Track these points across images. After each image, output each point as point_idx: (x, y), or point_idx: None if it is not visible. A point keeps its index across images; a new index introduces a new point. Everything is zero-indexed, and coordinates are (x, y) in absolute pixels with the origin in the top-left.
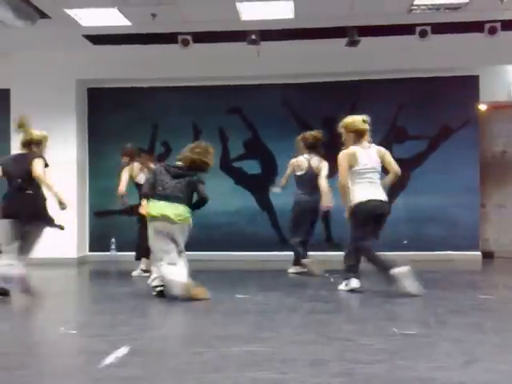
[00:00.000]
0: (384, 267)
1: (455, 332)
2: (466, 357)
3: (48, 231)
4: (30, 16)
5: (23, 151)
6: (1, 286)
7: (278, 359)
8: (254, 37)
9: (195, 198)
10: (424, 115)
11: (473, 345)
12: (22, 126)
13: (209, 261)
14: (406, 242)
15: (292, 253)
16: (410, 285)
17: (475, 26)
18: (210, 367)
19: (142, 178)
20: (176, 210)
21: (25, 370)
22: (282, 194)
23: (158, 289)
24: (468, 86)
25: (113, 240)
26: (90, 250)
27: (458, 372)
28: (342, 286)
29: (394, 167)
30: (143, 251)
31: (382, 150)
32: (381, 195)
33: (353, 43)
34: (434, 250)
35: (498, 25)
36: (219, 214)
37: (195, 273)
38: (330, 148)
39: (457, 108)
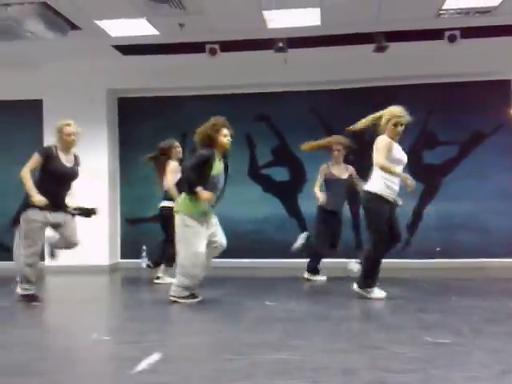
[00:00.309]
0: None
1: (490, 341)
2: (501, 366)
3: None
4: (61, 28)
5: None
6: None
7: (308, 367)
8: (281, 44)
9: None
10: (455, 120)
11: (509, 354)
12: None
13: (238, 268)
14: (439, 249)
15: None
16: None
17: (505, 30)
18: (240, 374)
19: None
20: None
21: (58, 375)
22: (310, 201)
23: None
24: (500, 90)
25: (144, 247)
26: (122, 258)
27: (493, 382)
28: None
29: None
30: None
31: None
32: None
33: (381, 49)
34: (467, 258)
35: None
36: (247, 222)
37: (224, 280)
38: (357, 154)
39: (489, 113)
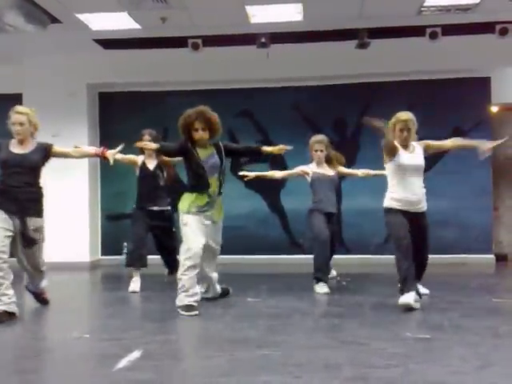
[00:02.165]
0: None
1: (469, 336)
2: (480, 361)
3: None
4: (41, 21)
5: None
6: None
7: (290, 363)
8: (263, 40)
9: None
10: (435, 117)
11: (487, 349)
12: None
13: (219, 264)
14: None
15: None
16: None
17: (486, 27)
18: (221, 371)
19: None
20: None
21: (38, 374)
22: (292, 197)
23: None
24: (479, 87)
25: (125, 244)
26: (103, 254)
27: (472, 376)
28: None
29: None
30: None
31: None
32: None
33: (363, 45)
34: (447, 253)
35: (509, 26)
36: (229, 218)
37: (205, 276)
38: (340, 150)
39: (468, 110)
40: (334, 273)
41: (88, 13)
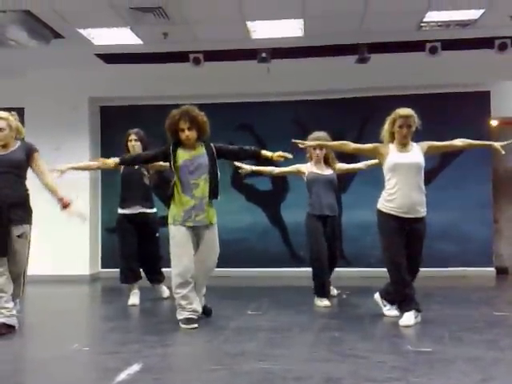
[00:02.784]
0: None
1: (470, 350)
2: (481, 375)
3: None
4: (43, 36)
5: None
6: None
7: (291, 377)
8: (264, 55)
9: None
10: (435, 131)
11: (488, 362)
12: None
13: (219, 277)
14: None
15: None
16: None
17: (485, 43)
18: None
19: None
20: None
21: None
22: (292, 210)
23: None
24: (479, 101)
25: None
26: (103, 267)
27: None
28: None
29: None
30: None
31: None
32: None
33: (363, 60)
34: (447, 267)
35: (508, 41)
36: (230, 231)
37: (207, 290)
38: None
39: (468, 124)
40: (334, 291)
41: (90, 28)
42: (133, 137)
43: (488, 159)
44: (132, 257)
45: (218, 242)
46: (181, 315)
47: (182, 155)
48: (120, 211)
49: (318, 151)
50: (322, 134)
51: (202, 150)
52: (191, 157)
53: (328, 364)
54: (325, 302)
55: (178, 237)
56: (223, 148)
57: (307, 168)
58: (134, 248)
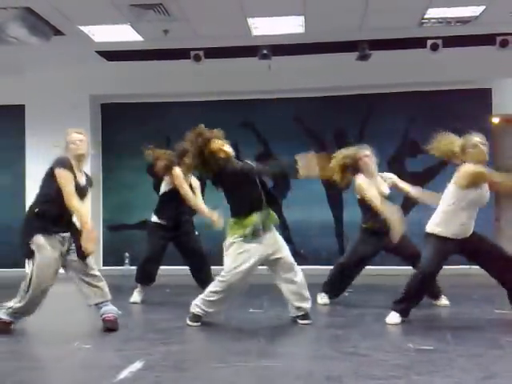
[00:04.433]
0: None
1: (472, 347)
2: (483, 373)
3: None
4: (44, 33)
5: None
6: None
7: (292, 375)
8: (265, 51)
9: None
10: (436, 128)
11: (490, 360)
12: None
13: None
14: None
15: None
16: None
17: (487, 39)
18: (223, 382)
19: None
20: None
21: None
22: (294, 209)
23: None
24: (480, 99)
25: (126, 254)
26: (104, 265)
27: None
28: None
29: None
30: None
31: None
32: None
33: (363, 57)
34: (449, 265)
35: (510, 38)
36: None
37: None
38: None
39: (469, 121)
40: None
41: (91, 25)
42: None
43: (489, 157)
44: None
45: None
46: (193, 308)
47: None
48: None
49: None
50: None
51: None
52: None
53: (329, 362)
54: (324, 300)
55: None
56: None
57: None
58: (160, 250)
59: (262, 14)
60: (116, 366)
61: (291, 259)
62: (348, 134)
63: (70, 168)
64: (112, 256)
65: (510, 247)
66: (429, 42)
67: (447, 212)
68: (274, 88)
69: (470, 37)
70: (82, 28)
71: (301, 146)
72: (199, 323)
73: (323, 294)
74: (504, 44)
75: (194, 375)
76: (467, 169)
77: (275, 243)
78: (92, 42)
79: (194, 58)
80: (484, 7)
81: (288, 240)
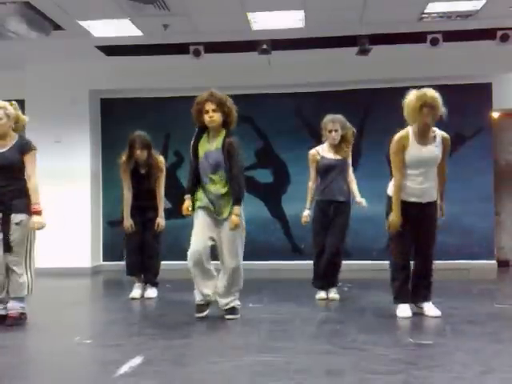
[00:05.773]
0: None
1: (471, 342)
2: (482, 367)
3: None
4: (43, 28)
5: None
6: None
7: (292, 369)
8: (265, 46)
9: None
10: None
11: (489, 355)
12: None
13: (219, 270)
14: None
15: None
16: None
17: (487, 34)
18: (223, 377)
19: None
20: None
21: (39, 379)
22: (293, 203)
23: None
24: (481, 93)
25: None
26: (104, 260)
27: (474, 382)
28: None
29: None
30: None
31: None
32: None
33: (364, 52)
34: (449, 259)
35: (510, 32)
36: None
37: None
38: None
39: (469, 116)
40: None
41: (90, 20)
42: (138, 146)
43: (489, 152)
44: (136, 249)
45: None
46: (195, 299)
47: (202, 148)
48: None
49: (333, 133)
50: (338, 116)
51: (211, 146)
52: (204, 154)
53: (329, 356)
54: (321, 295)
55: (195, 220)
56: (229, 157)
57: (320, 152)
58: (138, 240)
59: (262, 9)
60: (116, 361)
61: None
62: None
63: None
64: (112, 251)
65: (511, 240)
66: (429, 37)
67: None
68: (273, 83)
69: (471, 31)
70: (81, 23)
71: (300, 141)
72: (201, 314)
73: (319, 290)
74: (504, 38)
75: (193, 370)
76: None
77: None
78: (91, 36)
79: (193, 52)
80: (484, 1)
81: (288, 234)
